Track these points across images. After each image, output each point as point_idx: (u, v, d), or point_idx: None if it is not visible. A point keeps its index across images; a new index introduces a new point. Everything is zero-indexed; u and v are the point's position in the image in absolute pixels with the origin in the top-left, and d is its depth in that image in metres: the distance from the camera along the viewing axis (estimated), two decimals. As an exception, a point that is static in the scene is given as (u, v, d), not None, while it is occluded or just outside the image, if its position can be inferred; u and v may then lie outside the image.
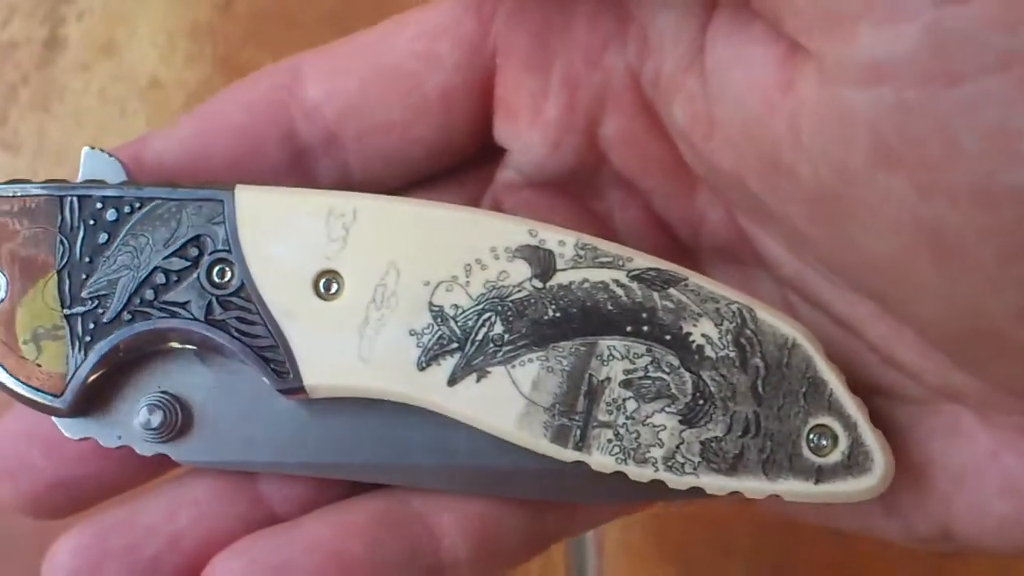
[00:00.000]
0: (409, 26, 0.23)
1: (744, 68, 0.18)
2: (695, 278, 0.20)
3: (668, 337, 0.20)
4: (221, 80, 0.49)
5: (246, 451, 0.22)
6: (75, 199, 0.21)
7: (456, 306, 0.20)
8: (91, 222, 0.21)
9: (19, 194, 0.21)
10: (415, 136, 0.23)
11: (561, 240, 0.20)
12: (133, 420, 0.22)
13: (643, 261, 0.20)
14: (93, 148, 0.22)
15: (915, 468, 0.21)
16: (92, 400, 0.22)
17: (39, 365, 0.21)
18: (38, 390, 0.21)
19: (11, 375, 0.21)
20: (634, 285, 0.20)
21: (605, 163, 0.22)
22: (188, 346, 0.22)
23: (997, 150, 0.14)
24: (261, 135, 0.23)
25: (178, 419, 0.22)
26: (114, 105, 0.49)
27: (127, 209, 0.21)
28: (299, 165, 0.23)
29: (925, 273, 0.16)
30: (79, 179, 0.21)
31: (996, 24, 0.13)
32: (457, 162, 0.24)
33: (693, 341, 0.20)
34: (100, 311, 0.21)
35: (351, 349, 0.20)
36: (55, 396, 0.21)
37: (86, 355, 0.21)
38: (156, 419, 0.22)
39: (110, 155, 0.22)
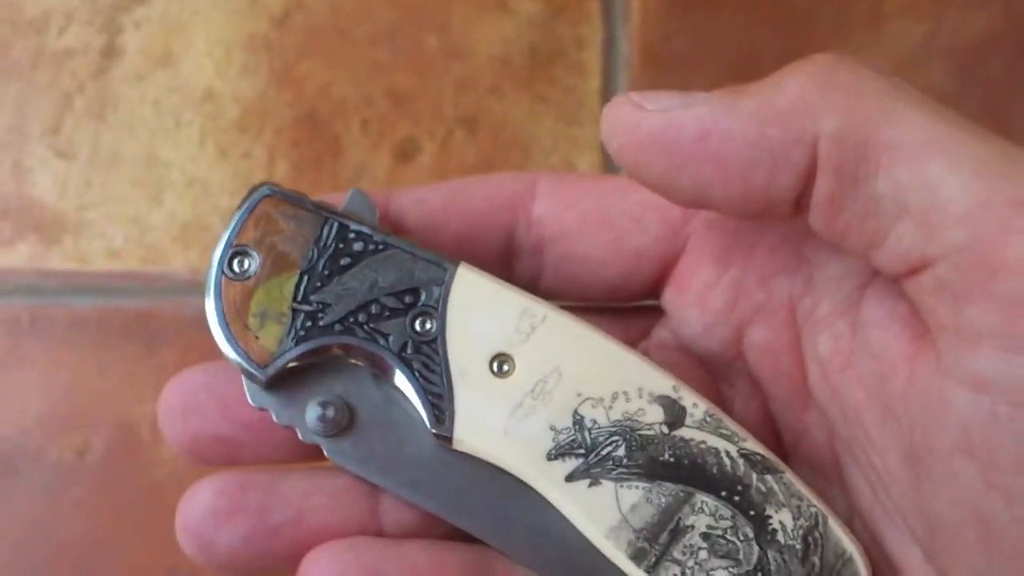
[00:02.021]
0: (637, 191, 0.25)
1: (883, 330, 0.21)
2: (790, 475, 0.23)
3: (752, 512, 0.23)
4: (276, 93, 0.49)
5: (385, 470, 0.25)
6: (336, 223, 0.25)
7: (595, 421, 0.23)
8: (341, 246, 0.25)
9: (296, 203, 0.25)
10: (603, 274, 0.26)
11: (695, 403, 0.23)
12: (307, 409, 0.25)
13: (754, 445, 0.23)
14: (360, 190, 0.26)
15: None
16: (282, 381, 0.25)
17: (257, 338, 0.25)
18: (248, 357, 0.25)
19: (233, 337, 0.25)
20: (740, 461, 0.23)
21: (742, 358, 0.26)
22: (372, 369, 0.25)
23: None
24: (489, 227, 0.26)
25: (344, 421, 0.25)
26: (169, 116, 0.49)
27: (372, 247, 0.25)
28: (506, 259, 0.27)
29: (970, 548, 0.19)
30: (341, 208, 0.25)
31: None
32: (625, 304, 0.28)
33: (771, 523, 0.23)
34: (320, 315, 0.25)
35: (500, 422, 0.24)
36: (259, 367, 0.25)
37: (296, 344, 0.25)
38: (329, 414, 0.25)
39: (371, 201, 0.26)
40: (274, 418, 0.25)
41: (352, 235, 0.25)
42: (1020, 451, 0.17)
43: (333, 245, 0.25)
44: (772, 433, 0.26)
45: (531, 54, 0.50)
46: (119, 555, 0.47)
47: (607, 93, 0.50)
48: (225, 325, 0.25)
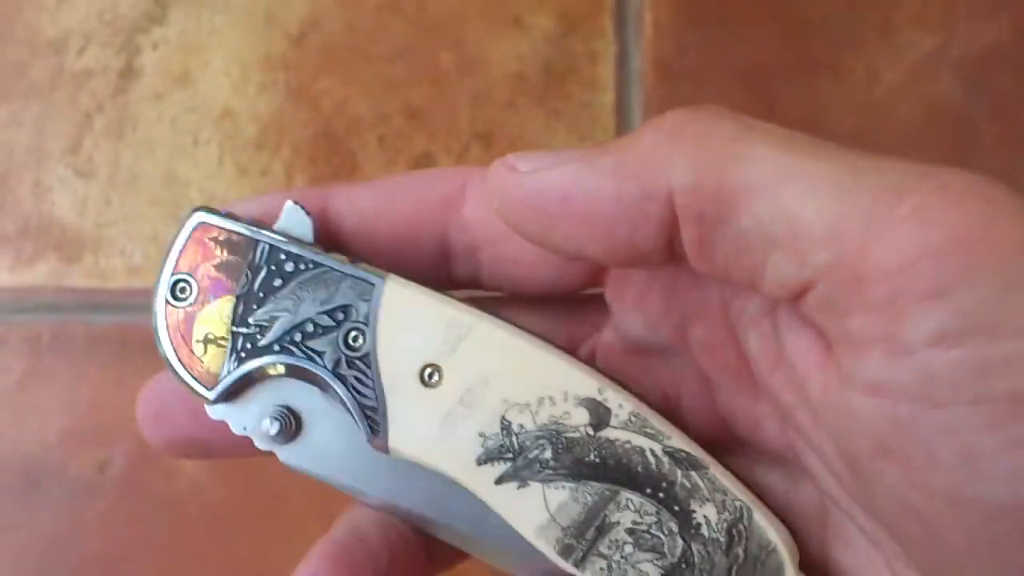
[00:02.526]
0: None
1: (797, 336, 0.22)
2: (715, 469, 0.24)
3: (677, 508, 0.24)
4: (293, 111, 0.50)
5: (336, 469, 0.27)
6: (267, 246, 0.26)
7: (522, 426, 0.24)
8: (273, 267, 0.26)
9: (228, 228, 0.26)
10: (538, 275, 0.27)
11: (621, 404, 0.24)
12: (258, 421, 0.27)
13: (679, 442, 0.24)
14: (295, 204, 0.26)
15: None
16: (233, 395, 0.27)
17: (202, 362, 0.26)
18: (196, 380, 0.26)
19: (180, 363, 0.26)
20: (665, 458, 0.24)
21: (689, 353, 0.26)
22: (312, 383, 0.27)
23: (966, 467, 0.17)
24: (421, 231, 0.27)
25: (291, 429, 0.26)
26: (187, 134, 0.49)
27: (303, 267, 0.25)
28: (443, 260, 0.27)
29: (915, 539, 0.20)
30: (276, 226, 0.26)
31: (972, 368, 0.17)
32: (571, 298, 0.28)
33: (695, 518, 0.24)
34: (258, 337, 0.26)
35: (431, 432, 0.25)
36: (207, 388, 0.26)
37: (238, 366, 0.26)
38: (274, 428, 0.26)
39: (308, 214, 0.26)
40: (232, 429, 0.27)
41: (283, 256, 0.25)
42: (930, 448, 0.18)
43: (265, 267, 0.25)
44: (725, 427, 0.26)
45: (545, 70, 0.50)
46: (141, 568, 0.47)
47: (621, 107, 0.50)
48: (173, 351, 0.26)
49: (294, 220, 0.26)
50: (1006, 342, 0.16)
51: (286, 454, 0.27)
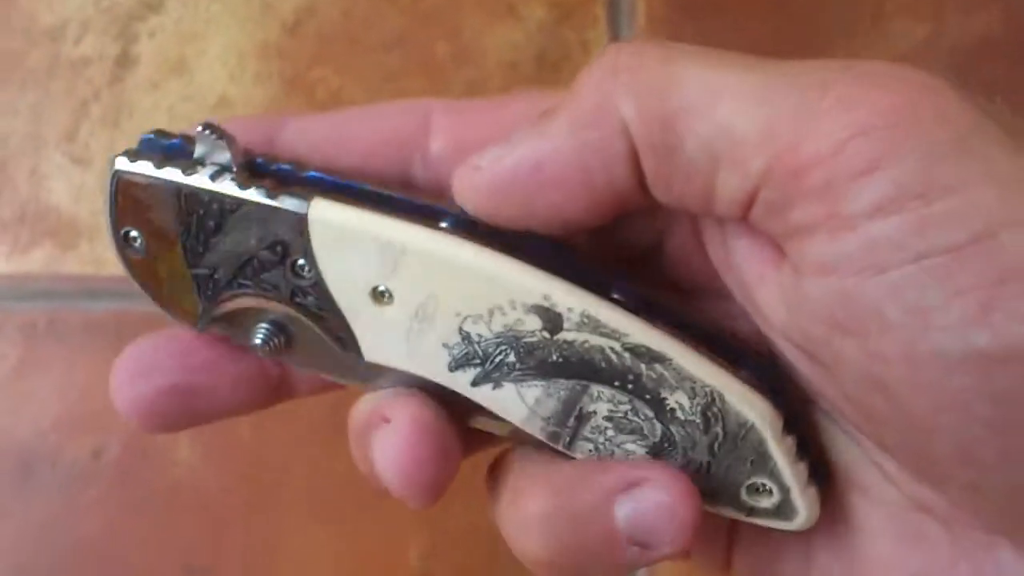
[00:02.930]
0: (533, 103, 0.25)
1: (753, 250, 0.22)
2: (680, 359, 0.23)
3: (648, 396, 0.24)
4: (289, 99, 0.50)
5: (333, 370, 0.26)
6: (187, 193, 0.24)
7: (480, 335, 0.24)
8: (201, 211, 0.24)
9: (147, 178, 0.24)
10: None
11: (570, 307, 0.23)
12: (248, 340, 0.26)
13: (639, 338, 0.23)
14: (206, 129, 0.25)
15: (882, 569, 0.24)
16: (218, 324, 0.26)
17: (179, 303, 0.26)
18: (182, 320, 0.26)
19: (165, 306, 0.26)
20: (626, 354, 0.23)
21: (660, 264, 0.26)
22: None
23: (917, 323, 0.18)
24: (381, 166, 0.26)
25: (280, 344, 0.26)
26: (183, 122, 0.49)
27: (229, 207, 0.24)
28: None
29: (883, 413, 0.20)
30: (195, 154, 0.25)
31: (911, 228, 0.17)
32: None
33: (667, 404, 0.24)
34: (216, 276, 0.25)
35: (401, 345, 0.25)
36: (193, 327, 0.26)
37: (209, 304, 0.26)
38: (262, 349, 0.26)
39: (221, 137, 0.25)
40: (233, 341, 0.26)
41: (206, 198, 0.24)
42: (880, 313, 0.18)
43: (194, 213, 0.24)
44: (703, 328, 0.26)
45: (539, 59, 0.51)
46: (136, 554, 0.47)
47: (614, 96, 0.51)
48: (153, 297, 0.26)
49: (210, 145, 0.24)
50: (939, 201, 0.17)
51: (288, 361, 0.27)
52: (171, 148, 0.25)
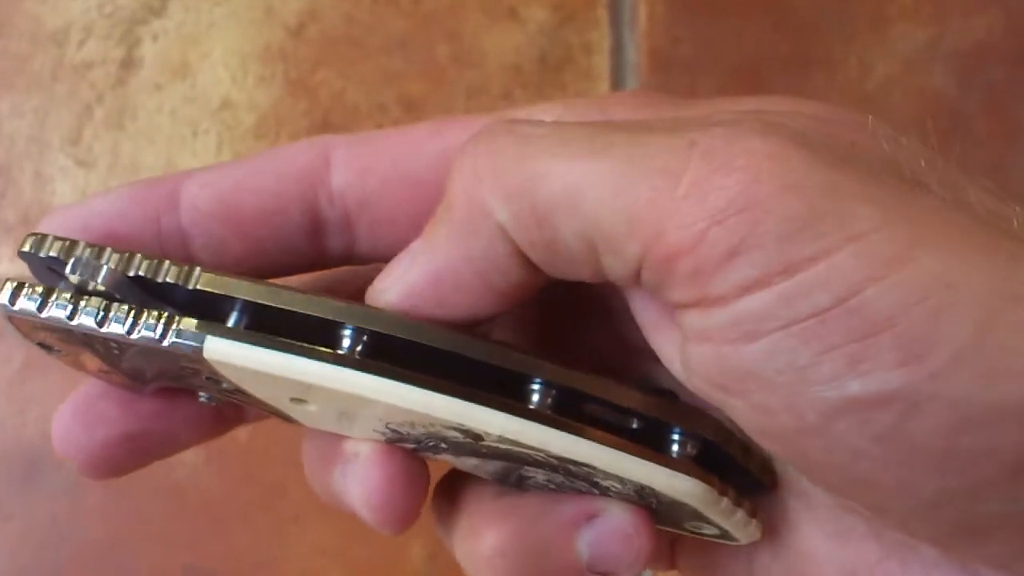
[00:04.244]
0: (436, 140, 0.25)
1: (648, 303, 0.23)
2: (603, 465, 0.23)
3: (582, 480, 0.23)
4: (292, 102, 0.50)
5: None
6: (81, 333, 0.22)
7: (407, 431, 0.23)
8: (100, 345, 0.23)
9: (35, 318, 0.22)
10: (419, 234, 0.25)
11: (487, 432, 0.22)
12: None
13: (558, 449, 0.22)
14: (87, 244, 0.22)
15: (816, 567, 0.24)
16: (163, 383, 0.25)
17: (116, 382, 0.25)
18: (121, 388, 0.25)
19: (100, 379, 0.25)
20: (551, 459, 0.23)
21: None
22: None
23: (793, 380, 0.19)
24: (287, 205, 0.25)
25: (226, 399, 0.25)
26: (186, 125, 0.50)
27: (126, 344, 0.22)
28: (315, 234, 0.26)
29: (782, 455, 0.22)
30: (75, 278, 0.22)
31: (777, 301, 0.18)
32: None
33: (601, 485, 0.23)
34: (144, 374, 0.24)
35: (334, 427, 0.24)
36: (135, 391, 0.25)
37: (144, 387, 0.25)
38: (209, 401, 0.25)
39: (96, 257, 0.23)
40: None
41: (101, 337, 0.22)
42: (758, 374, 0.19)
43: (96, 343, 0.22)
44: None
45: (541, 61, 0.51)
46: (138, 556, 0.47)
47: (616, 99, 0.51)
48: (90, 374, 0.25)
49: (88, 268, 0.22)
50: (800, 273, 0.18)
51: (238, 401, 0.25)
52: (52, 268, 0.23)
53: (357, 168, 0.25)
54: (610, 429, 0.23)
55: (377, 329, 0.22)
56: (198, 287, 0.22)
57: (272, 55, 0.50)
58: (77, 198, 0.49)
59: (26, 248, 0.23)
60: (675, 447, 0.23)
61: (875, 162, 0.20)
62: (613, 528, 0.23)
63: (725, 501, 0.23)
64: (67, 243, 0.22)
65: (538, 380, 0.22)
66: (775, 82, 0.51)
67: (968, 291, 0.18)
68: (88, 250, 0.22)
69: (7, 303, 0.22)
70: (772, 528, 0.25)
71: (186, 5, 0.50)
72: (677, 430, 0.23)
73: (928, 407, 0.18)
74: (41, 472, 0.47)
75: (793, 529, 0.24)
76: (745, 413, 0.20)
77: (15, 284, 0.22)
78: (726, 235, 0.19)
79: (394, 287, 0.23)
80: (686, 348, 0.20)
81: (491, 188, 0.21)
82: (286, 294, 0.22)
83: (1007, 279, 0.18)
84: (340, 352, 0.22)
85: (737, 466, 0.24)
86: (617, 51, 0.51)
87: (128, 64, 0.50)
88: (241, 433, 0.48)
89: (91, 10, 0.50)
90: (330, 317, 0.22)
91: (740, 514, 0.24)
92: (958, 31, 0.52)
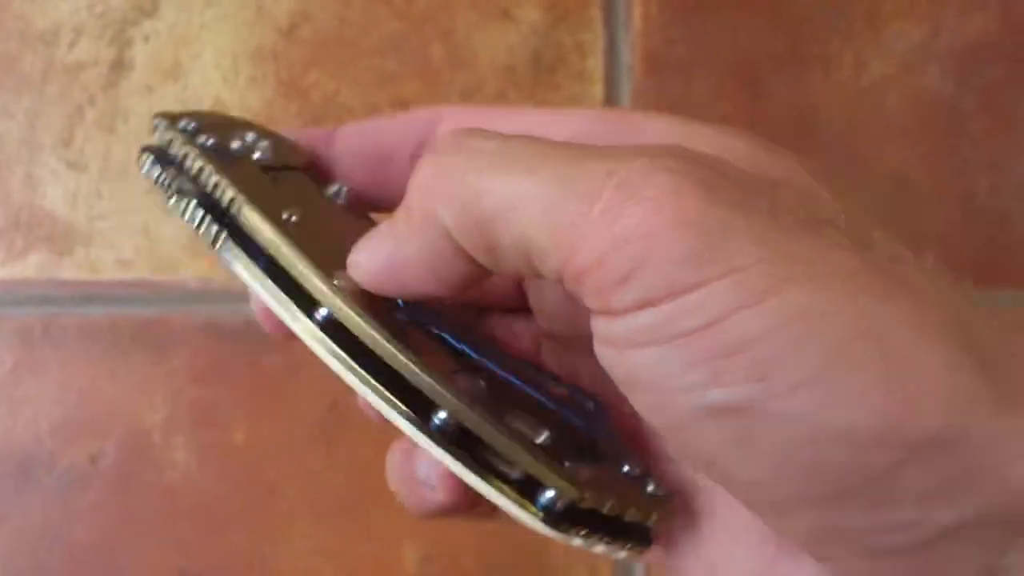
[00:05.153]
0: (536, 115, 0.29)
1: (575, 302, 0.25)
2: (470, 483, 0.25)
3: None
4: (284, 104, 0.50)
5: None
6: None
7: None
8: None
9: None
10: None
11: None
12: None
13: None
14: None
15: (726, 566, 0.27)
16: None
17: None
18: None
19: None
20: None
21: None
22: None
23: (666, 385, 0.22)
24: (401, 161, 0.30)
25: None
26: (177, 126, 0.50)
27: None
28: None
29: (675, 450, 0.26)
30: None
31: (661, 319, 0.21)
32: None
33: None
34: None
35: None
36: None
37: None
38: None
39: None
40: None
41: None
42: (639, 379, 0.22)
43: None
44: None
45: (534, 62, 0.50)
46: (132, 559, 0.47)
47: (610, 100, 0.50)
48: None
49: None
50: (681, 299, 0.21)
51: None
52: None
53: (460, 122, 0.28)
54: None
55: (335, 315, 0.25)
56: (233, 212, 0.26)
57: (264, 56, 0.50)
58: (68, 201, 0.49)
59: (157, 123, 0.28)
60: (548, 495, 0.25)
61: (785, 203, 0.22)
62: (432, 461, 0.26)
63: (598, 539, 0.25)
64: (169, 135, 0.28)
65: (441, 412, 0.24)
66: (770, 81, 0.51)
67: (823, 326, 0.20)
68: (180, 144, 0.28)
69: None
70: (689, 525, 0.27)
71: (177, 6, 0.50)
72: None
73: (771, 422, 0.21)
74: (34, 474, 0.47)
75: (708, 529, 0.27)
76: (639, 407, 0.23)
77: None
78: (624, 260, 0.21)
79: (362, 266, 0.25)
80: (597, 346, 0.23)
81: (440, 199, 0.24)
82: (301, 264, 0.26)
83: (863, 318, 0.21)
84: (311, 320, 0.25)
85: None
86: (611, 52, 0.51)
87: (119, 65, 0.50)
88: (235, 434, 0.48)
89: (81, 10, 0.50)
90: (311, 293, 0.25)
91: (601, 547, 0.26)
92: (955, 29, 0.52)
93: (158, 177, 0.27)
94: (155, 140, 0.28)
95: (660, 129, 0.27)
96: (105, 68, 0.50)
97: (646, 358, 0.22)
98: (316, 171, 0.30)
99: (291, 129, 0.31)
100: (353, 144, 0.30)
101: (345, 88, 0.50)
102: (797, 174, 0.24)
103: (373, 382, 0.25)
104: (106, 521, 0.47)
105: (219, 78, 0.50)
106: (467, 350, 0.28)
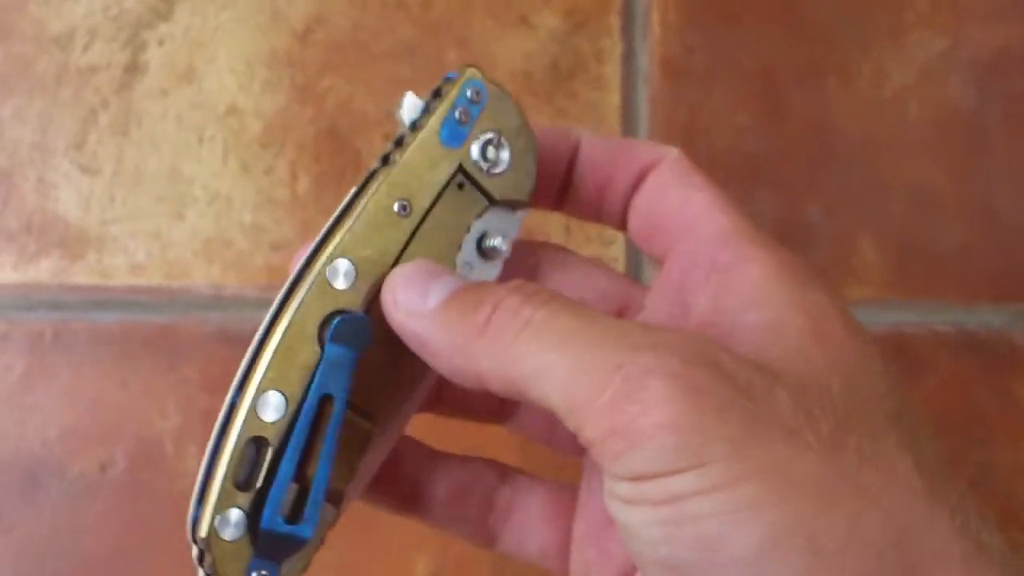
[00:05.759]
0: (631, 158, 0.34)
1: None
2: None
3: None
4: (298, 108, 0.49)
5: None
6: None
7: None
8: None
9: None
10: None
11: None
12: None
13: None
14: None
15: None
16: None
17: None
18: None
19: None
20: None
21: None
22: None
23: (632, 535, 0.27)
24: (560, 158, 0.34)
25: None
26: (192, 131, 0.49)
27: None
28: (564, 182, 0.34)
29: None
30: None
31: (634, 491, 0.26)
32: None
33: None
34: None
35: None
36: None
37: None
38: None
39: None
40: None
41: None
42: (619, 529, 0.27)
43: None
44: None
45: (552, 68, 0.50)
46: (142, 568, 0.47)
47: (627, 107, 0.50)
48: None
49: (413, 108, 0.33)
50: (653, 481, 0.25)
51: None
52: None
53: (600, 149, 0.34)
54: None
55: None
56: None
57: (279, 60, 0.50)
58: (81, 205, 0.48)
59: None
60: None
61: (772, 402, 0.26)
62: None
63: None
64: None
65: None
66: (789, 90, 0.50)
67: (764, 519, 0.24)
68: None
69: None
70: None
71: (192, 9, 0.50)
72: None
73: None
74: (43, 482, 0.47)
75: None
76: (623, 541, 0.27)
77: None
78: (618, 445, 0.26)
79: (399, 319, 0.30)
80: (604, 493, 0.28)
81: (482, 350, 0.28)
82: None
83: (801, 519, 0.24)
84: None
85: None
86: (629, 59, 0.50)
87: (133, 69, 0.49)
88: (245, 444, 0.47)
89: (96, 13, 0.50)
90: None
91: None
92: (977, 39, 0.51)
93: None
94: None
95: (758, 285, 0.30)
96: (119, 71, 0.49)
97: (628, 511, 0.26)
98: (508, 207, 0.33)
99: (543, 126, 0.33)
100: (597, 155, 0.34)
101: (360, 94, 0.50)
102: (842, 363, 0.27)
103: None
104: (116, 530, 0.47)
105: (234, 82, 0.50)
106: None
